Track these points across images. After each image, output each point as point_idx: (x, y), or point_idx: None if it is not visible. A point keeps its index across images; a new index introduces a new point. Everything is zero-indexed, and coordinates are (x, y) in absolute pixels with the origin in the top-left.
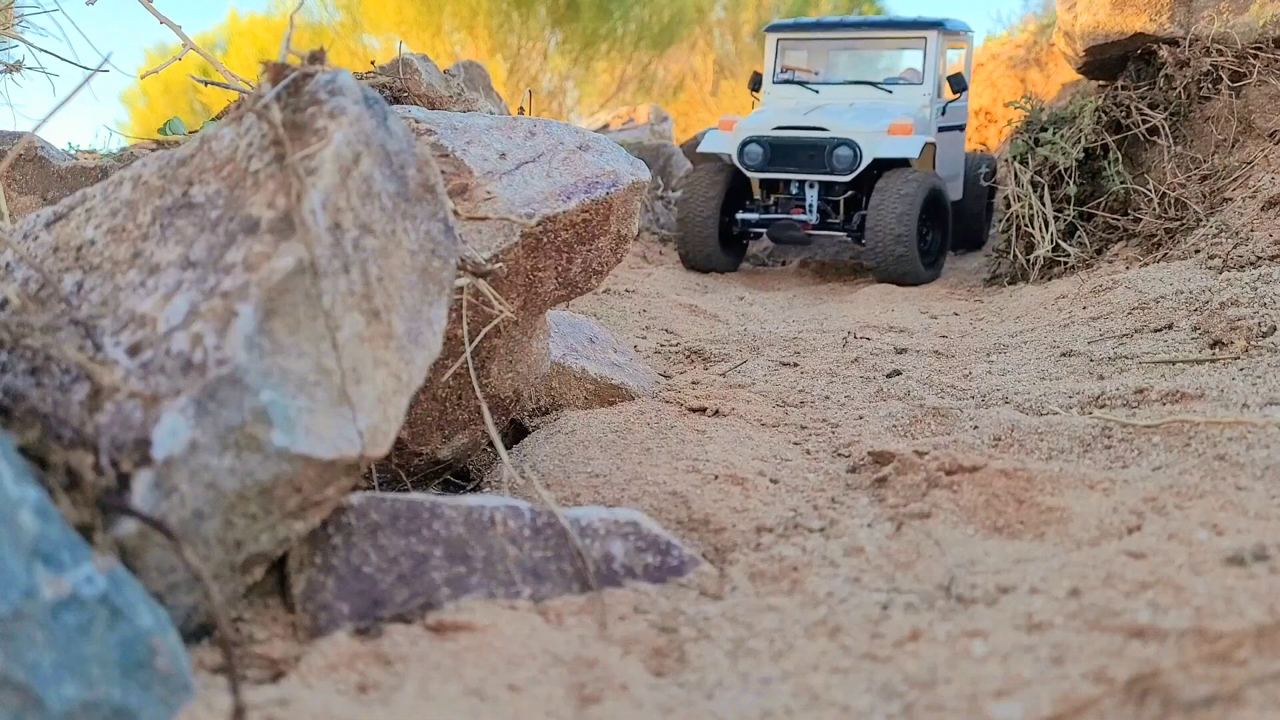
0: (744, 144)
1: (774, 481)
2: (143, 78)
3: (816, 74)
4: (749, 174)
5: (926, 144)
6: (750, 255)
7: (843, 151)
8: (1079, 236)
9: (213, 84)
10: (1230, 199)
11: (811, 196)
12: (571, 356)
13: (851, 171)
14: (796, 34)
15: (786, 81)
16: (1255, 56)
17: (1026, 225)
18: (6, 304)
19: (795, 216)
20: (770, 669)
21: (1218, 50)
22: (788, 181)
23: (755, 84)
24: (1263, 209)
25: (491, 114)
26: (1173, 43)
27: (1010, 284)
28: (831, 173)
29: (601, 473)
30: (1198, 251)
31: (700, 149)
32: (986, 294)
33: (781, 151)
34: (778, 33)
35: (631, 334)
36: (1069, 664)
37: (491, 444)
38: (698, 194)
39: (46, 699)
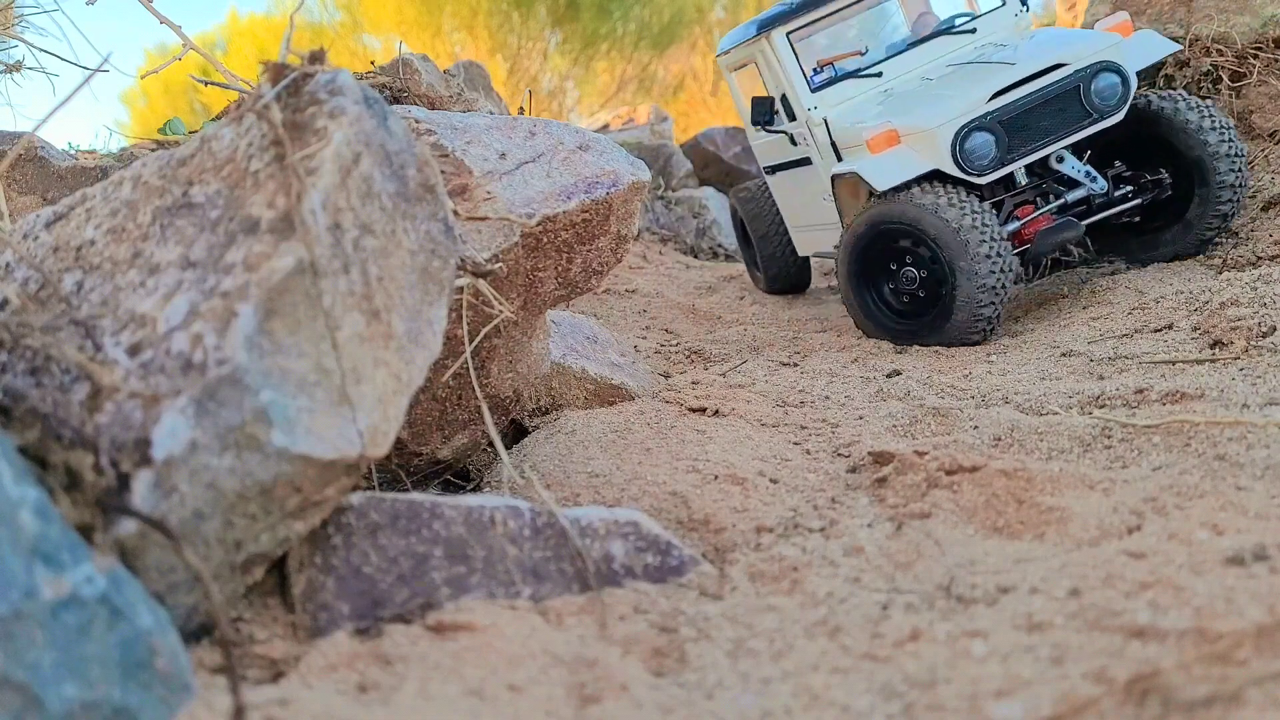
0: (963, 135)
1: (774, 481)
2: (143, 78)
3: (864, 52)
4: (978, 180)
5: None
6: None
7: (1106, 80)
8: None
9: (213, 84)
10: None
11: (1073, 167)
12: (571, 356)
13: (1123, 106)
14: (803, 17)
15: (829, 83)
16: (1255, 56)
17: None
18: (6, 304)
19: (1088, 190)
20: (770, 669)
21: (1218, 50)
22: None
23: (765, 114)
24: (1263, 209)
25: (491, 114)
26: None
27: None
28: (1097, 119)
29: (601, 473)
30: None
31: (883, 189)
32: None
33: (1020, 124)
34: (778, 27)
35: (631, 334)
36: (1069, 664)
37: (491, 444)
38: (972, 219)
39: (46, 699)
